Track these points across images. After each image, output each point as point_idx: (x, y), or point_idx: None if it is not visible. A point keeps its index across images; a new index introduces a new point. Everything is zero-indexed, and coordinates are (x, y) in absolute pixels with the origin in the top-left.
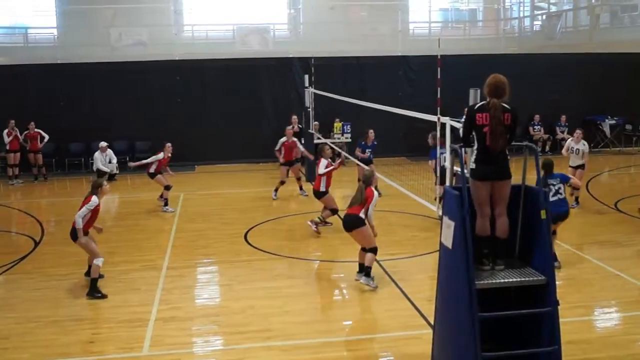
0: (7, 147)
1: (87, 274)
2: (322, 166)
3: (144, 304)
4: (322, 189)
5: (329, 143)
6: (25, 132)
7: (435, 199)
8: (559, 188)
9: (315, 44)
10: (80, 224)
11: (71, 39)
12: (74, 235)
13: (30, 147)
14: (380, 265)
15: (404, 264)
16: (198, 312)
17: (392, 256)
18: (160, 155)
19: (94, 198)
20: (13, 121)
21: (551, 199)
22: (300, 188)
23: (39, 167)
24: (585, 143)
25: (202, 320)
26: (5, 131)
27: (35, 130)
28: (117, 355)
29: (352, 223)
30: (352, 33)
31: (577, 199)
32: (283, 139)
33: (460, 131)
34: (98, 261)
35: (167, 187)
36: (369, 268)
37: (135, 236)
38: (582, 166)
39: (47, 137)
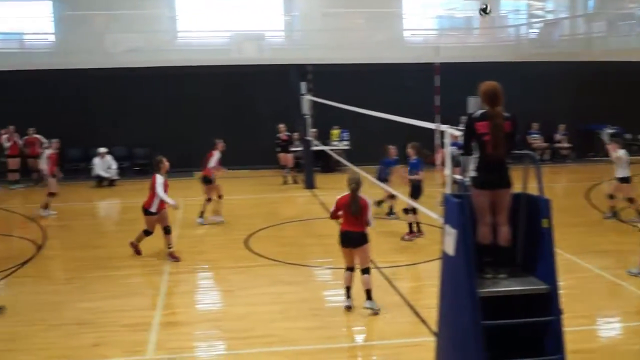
0: (7, 152)
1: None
2: (159, 185)
3: (146, 308)
4: (153, 209)
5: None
6: (25, 137)
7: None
8: None
9: (310, 50)
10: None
11: (68, 45)
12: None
13: (29, 152)
14: (382, 273)
15: (406, 271)
16: (200, 317)
17: (393, 263)
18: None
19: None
20: (12, 127)
21: None
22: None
23: (39, 172)
24: (620, 151)
25: (205, 325)
26: (5, 136)
27: (35, 135)
28: (122, 359)
29: (359, 241)
30: (348, 40)
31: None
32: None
33: (460, 140)
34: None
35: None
36: (370, 290)
37: None
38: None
39: (46, 142)
